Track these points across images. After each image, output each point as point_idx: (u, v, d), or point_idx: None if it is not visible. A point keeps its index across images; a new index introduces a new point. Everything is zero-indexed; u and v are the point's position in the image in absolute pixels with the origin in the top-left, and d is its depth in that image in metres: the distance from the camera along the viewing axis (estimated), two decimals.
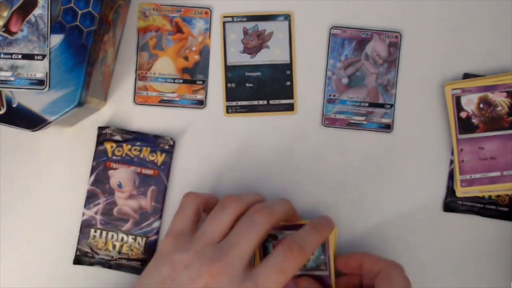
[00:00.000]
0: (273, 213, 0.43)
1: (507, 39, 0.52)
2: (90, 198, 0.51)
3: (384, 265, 0.44)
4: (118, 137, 0.51)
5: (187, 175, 0.52)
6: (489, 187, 0.50)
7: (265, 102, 0.52)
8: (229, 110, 0.52)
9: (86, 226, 0.51)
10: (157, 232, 0.51)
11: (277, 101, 0.52)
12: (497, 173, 0.50)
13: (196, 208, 0.44)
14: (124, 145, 0.51)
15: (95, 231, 0.51)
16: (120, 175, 0.51)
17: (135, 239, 0.51)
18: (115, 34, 0.51)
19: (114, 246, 0.51)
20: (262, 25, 0.52)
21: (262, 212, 0.42)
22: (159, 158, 0.51)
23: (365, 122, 0.52)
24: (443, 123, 0.52)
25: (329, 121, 0.52)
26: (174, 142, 0.52)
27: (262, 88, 0.52)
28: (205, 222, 0.43)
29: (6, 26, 0.45)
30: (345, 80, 0.52)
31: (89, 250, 0.51)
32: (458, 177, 0.50)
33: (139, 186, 0.51)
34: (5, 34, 0.45)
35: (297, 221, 0.47)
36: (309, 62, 0.53)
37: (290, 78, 0.52)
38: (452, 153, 0.51)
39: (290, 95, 0.52)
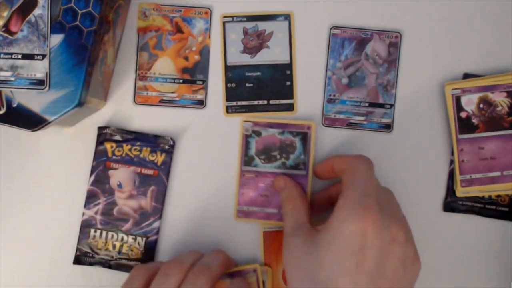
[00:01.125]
0: (212, 272, 0.44)
1: (507, 39, 0.52)
2: (90, 198, 0.51)
3: (350, 161, 0.45)
4: (118, 137, 0.51)
5: (187, 175, 0.52)
6: (489, 187, 0.50)
7: (265, 102, 0.52)
8: (229, 110, 0.52)
9: (86, 226, 0.51)
10: (157, 232, 0.51)
11: (277, 101, 0.52)
12: (497, 173, 0.50)
13: (144, 282, 0.44)
14: (124, 145, 0.51)
15: (95, 231, 0.51)
16: (120, 175, 0.51)
17: (135, 239, 0.51)
18: (115, 34, 0.51)
19: (114, 246, 0.51)
20: (262, 25, 0.52)
21: (202, 274, 0.43)
22: (159, 158, 0.51)
23: (365, 122, 0.52)
24: (443, 123, 0.52)
25: (329, 121, 0.52)
26: (174, 142, 0.52)
27: (262, 88, 0.52)
28: None
29: (6, 26, 0.45)
30: (345, 80, 0.52)
31: (89, 250, 0.51)
32: (458, 177, 0.50)
33: (139, 186, 0.51)
34: (5, 34, 0.45)
35: (234, 268, 0.49)
36: (309, 62, 0.53)
37: (290, 78, 0.52)
38: (452, 153, 0.51)
39: (290, 95, 0.52)
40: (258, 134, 0.51)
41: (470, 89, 0.51)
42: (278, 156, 0.50)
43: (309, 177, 0.50)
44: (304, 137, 0.50)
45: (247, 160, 0.51)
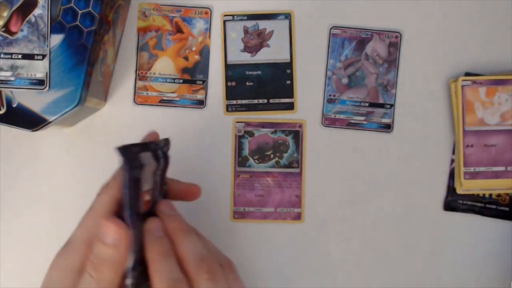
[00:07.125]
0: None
1: (508, 38, 0.52)
2: None
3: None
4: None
5: (186, 174, 0.52)
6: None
7: (265, 100, 0.52)
8: (229, 108, 0.52)
9: None
10: None
11: (277, 100, 0.52)
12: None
13: None
14: None
15: None
16: None
17: None
18: (115, 34, 0.51)
19: None
20: (262, 24, 0.52)
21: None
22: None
23: (365, 122, 0.52)
24: (443, 122, 0.52)
25: (329, 121, 0.52)
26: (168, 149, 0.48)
27: (262, 86, 0.52)
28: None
29: (6, 26, 0.45)
30: (345, 80, 0.52)
31: None
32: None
33: None
34: (5, 34, 0.45)
35: None
36: (309, 62, 0.53)
37: (290, 77, 0.52)
38: (453, 153, 0.51)
39: (290, 94, 0.52)
40: (250, 134, 0.52)
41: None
42: (271, 156, 0.52)
43: (303, 175, 0.51)
44: (296, 135, 0.52)
45: (241, 161, 0.52)
